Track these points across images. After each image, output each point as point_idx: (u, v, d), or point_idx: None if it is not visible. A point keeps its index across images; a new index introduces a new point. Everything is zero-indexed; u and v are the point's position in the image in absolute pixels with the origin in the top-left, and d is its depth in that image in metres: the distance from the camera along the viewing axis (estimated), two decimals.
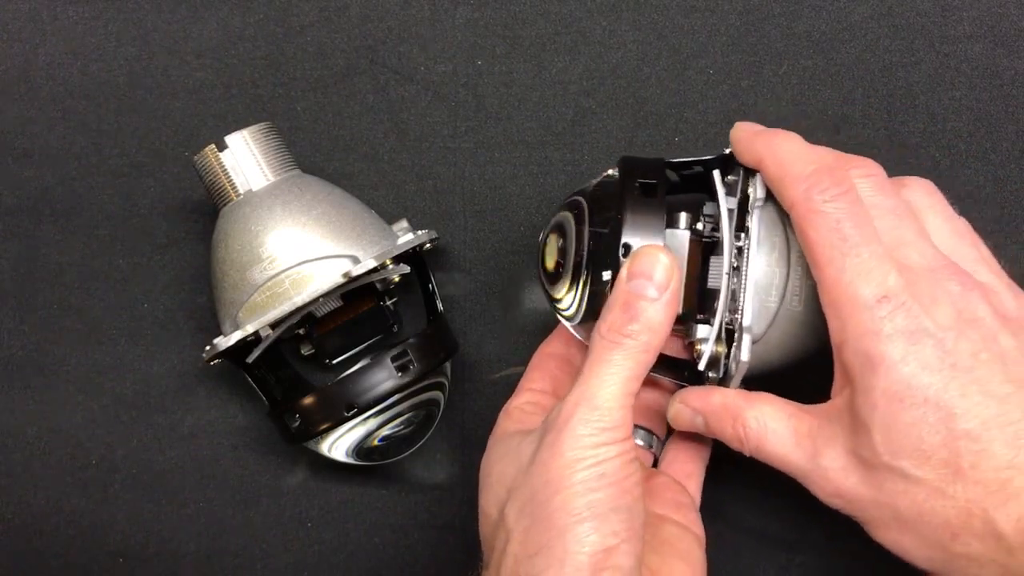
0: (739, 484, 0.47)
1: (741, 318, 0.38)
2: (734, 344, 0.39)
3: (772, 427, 0.38)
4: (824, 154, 0.38)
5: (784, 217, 0.39)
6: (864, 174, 0.37)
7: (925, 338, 0.34)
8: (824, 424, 0.37)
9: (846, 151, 0.48)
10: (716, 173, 0.40)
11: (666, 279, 0.37)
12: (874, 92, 0.49)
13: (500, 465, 0.39)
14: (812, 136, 0.48)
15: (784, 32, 0.49)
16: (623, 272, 0.38)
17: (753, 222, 0.38)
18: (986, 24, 0.48)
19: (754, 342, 0.38)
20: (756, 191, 0.38)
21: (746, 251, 0.38)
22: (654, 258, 0.37)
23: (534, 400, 0.43)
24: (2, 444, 0.51)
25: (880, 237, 0.36)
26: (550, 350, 0.45)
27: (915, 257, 0.36)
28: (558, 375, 0.44)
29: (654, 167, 0.40)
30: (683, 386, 0.42)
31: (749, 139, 0.39)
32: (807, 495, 0.38)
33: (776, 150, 0.38)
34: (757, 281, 0.38)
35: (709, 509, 0.47)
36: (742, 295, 0.38)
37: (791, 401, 0.38)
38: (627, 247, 0.38)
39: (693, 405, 0.40)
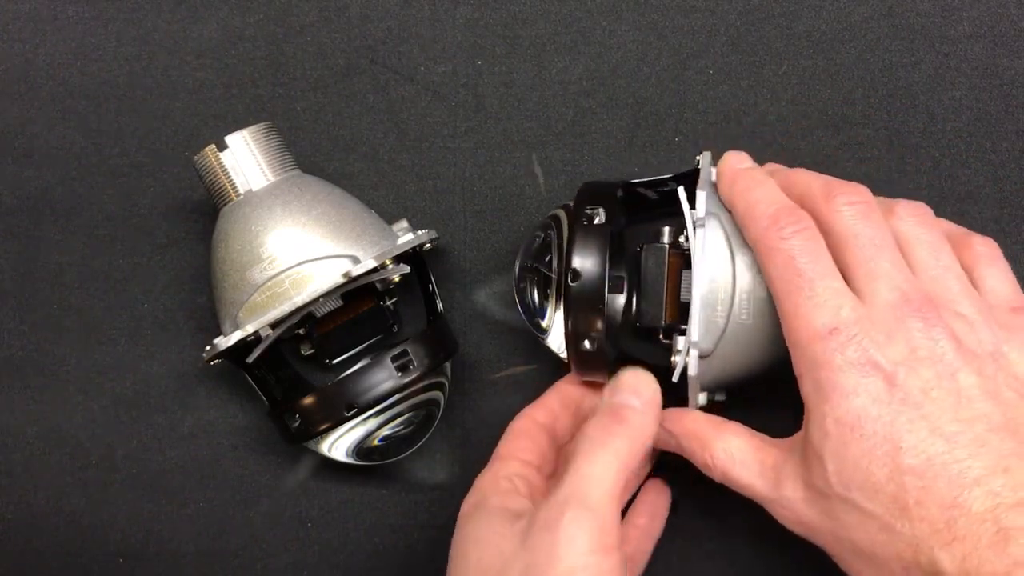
0: None
1: (688, 334, 0.39)
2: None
3: (739, 458, 0.39)
4: (810, 180, 0.39)
5: (730, 234, 0.39)
6: (849, 201, 0.37)
7: (875, 371, 0.34)
8: (787, 456, 0.37)
9: (846, 151, 0.49)
10: (681, 189, 0.41)
11: (649, 393, 0.40)
12: (874, 92, 0.49)
13: (478, 551, 0.38)
14: (812, 136, 0.49)
15: (784, 32, 0.49)
16: (608, 388, 0.41)
17: (696, 242, 0.39)
18: (986, 24, 0.48)
19: (703, 357, 0.39)
20: (698, 210, 0.39)
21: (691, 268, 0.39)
22: (637, 377, 0.40)
23: (518, 472, 0.42)
24: (2, 444, 0.51)
25: (836, 271, 0.36)
26: (537, 416, 0.44)
27: (883, 292, 0.35)
28: (544, 448, 0.44)
29: (605, 192, 0.42)
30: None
31: (728, 181, 0.40)
32: None
33: (747, 195, 0.39)
34: (703, 297, 0.39)
35: (709, 508, 0.47)
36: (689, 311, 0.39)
37: (759, 434, 0.40)
38: (575, 272, 0.40)
39: (667, 427, 0.41)
